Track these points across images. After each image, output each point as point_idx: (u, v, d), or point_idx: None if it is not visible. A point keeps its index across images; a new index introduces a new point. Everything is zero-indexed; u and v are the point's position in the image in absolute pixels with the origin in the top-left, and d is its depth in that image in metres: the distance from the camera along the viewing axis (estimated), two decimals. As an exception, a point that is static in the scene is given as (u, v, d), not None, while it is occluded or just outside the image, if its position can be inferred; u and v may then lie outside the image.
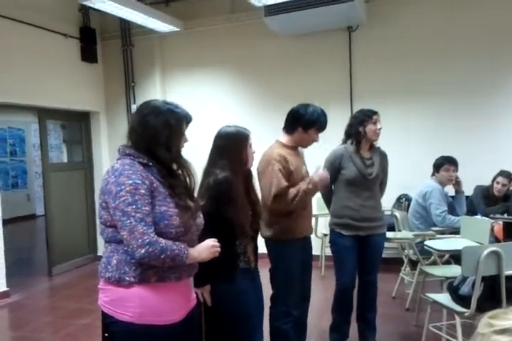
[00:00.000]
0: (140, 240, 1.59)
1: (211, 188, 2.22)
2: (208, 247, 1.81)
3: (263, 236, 2.85)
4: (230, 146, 2.35)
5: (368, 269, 3.24)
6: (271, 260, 2.88)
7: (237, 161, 2.33)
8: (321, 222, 5.22)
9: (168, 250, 1.63)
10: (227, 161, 2.30)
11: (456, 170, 4.15)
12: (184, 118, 1.81)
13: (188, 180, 1.82)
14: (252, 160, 2.44)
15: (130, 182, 1.63)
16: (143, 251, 1.59)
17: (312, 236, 3.12)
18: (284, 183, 2.69)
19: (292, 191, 2.71)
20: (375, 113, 3.16)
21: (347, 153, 3.14)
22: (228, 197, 2.20)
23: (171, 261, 1.65)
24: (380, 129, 3.14)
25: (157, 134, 1.73)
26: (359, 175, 3.11)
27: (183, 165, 1.81)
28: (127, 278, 1.67)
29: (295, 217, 2.81)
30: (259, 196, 2.59)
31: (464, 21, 5.12)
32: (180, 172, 1.82)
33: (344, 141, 3.24)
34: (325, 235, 5.05)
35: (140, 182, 1.64)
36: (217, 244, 1.85)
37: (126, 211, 1.61)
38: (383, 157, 3.28)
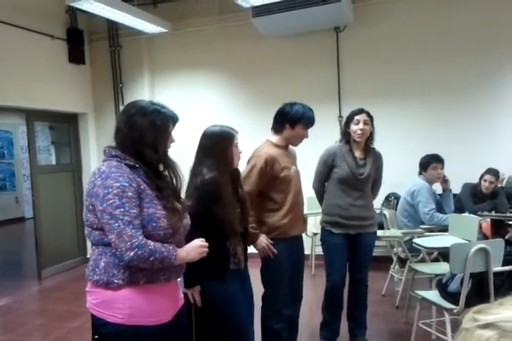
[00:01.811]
0: (129, 243, 1.59)
1: (199, 189, 2.23)
2: (195, 247, 1.81)
3: None
4: (216, 145, 2.35)
5: (359, 268, 3.25)
6: (261, 259, 2.88)
7: (223, 160, 2.34)
8: (311, 221, 5.24)
9: (156, 252, 1.63)
10: (213, 160, 2.30)
11: (443, 167, 4.18)
12: (171, 119, 1.80)
13: (174, 181, 1.81)
14: (238, 160, 2.44)
15: (117, 184, 1.62)
16: (132, 254, 1.59)
17: (303, 235, 3.12)
18: (251, 188, 2.70)
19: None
20: (358, 113, 3.11)
21: (340, 152, 3.14)
22: (216, 196, 2.21)
23: (159, 263, 1.65)
24: (361, 129, 3.08)
25: (143, 134, 1.71)
26: (350, 175, 3.10)
27: (170, 165, 1.80)
28: (116, 281, 1.66)
29: (285, 216, 2.82)
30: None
31: (452, 21, 5.15)
32: (166, 173, 1.81)
33: (340, 140, 3.24)
34: (315, 234, 5.07)
35: (127, 184, 1.63)
36: (205, 243, 1.85)
37: (114, 214, 1.60)
38: (377, 157, 3.25)
